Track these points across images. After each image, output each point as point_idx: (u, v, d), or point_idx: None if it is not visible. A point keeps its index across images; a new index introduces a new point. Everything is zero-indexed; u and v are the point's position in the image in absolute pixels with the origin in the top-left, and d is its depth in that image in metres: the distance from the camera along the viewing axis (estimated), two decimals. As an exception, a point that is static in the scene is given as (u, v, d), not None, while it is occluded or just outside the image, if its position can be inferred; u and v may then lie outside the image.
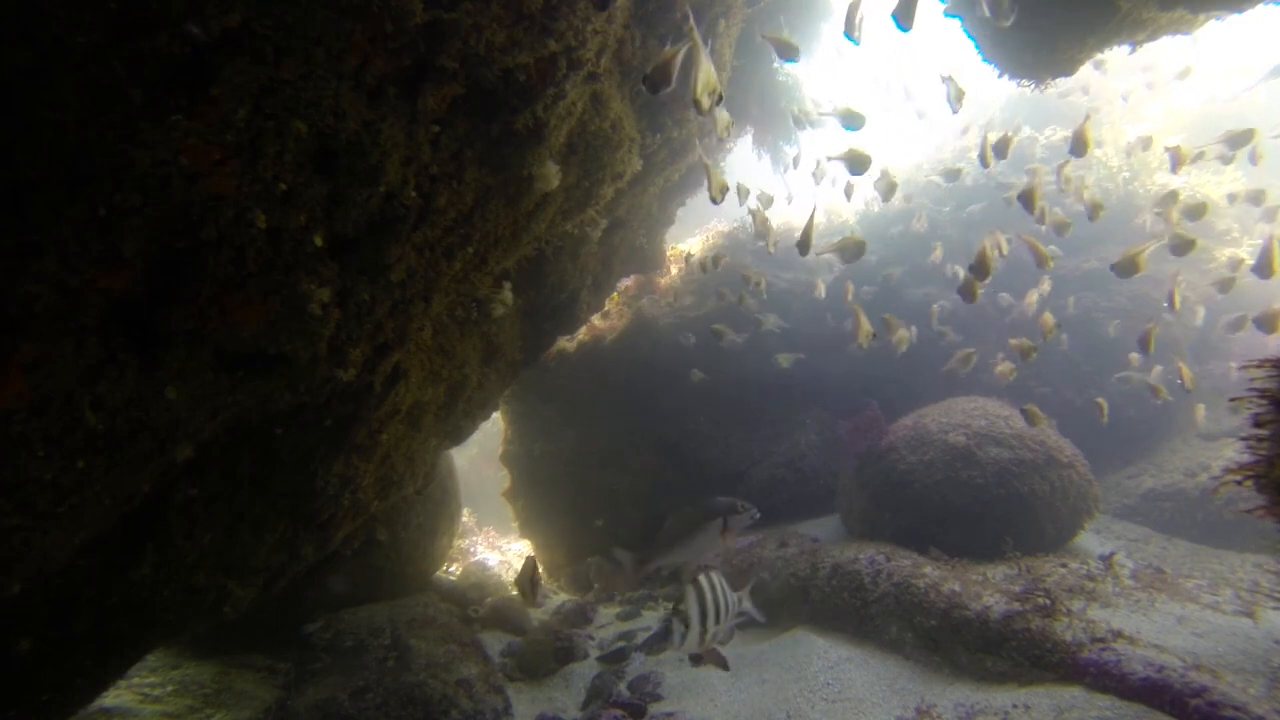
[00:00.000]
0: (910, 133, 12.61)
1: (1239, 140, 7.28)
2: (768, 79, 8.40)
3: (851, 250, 5.87)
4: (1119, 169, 10.60)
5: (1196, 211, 7.28)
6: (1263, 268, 5.81)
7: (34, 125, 1.86)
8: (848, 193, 9.10)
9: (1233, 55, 13.64)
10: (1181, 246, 6.19)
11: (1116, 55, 7.33)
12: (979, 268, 5.27)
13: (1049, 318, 7.05)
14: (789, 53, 5.92)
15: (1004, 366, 7.51)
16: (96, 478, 2.30)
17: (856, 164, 6.13)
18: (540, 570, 3.87)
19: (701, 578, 3.23)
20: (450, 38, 2.82)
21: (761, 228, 8.38)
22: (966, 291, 5.62)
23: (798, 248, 6.03)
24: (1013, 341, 6.49)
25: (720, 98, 3.15)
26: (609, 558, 4.40)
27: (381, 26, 2.47)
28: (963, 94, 6.31)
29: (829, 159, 6.56)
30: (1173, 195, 7.74)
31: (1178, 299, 6.46)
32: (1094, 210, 6.75)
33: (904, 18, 5.20)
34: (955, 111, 6.34)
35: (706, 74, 3.03)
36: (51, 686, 2.84)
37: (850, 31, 5.80)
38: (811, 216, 6.21)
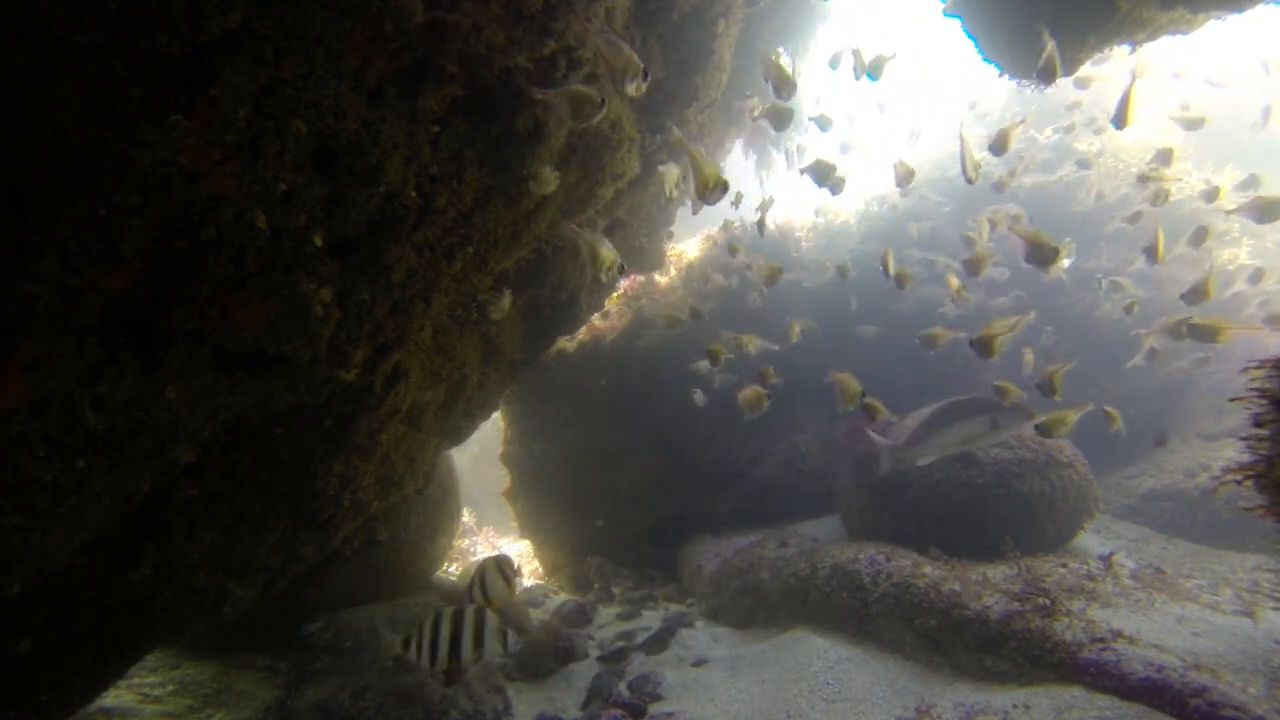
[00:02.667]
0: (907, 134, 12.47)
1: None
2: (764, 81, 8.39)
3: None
4: (1119, 169, 10.60)
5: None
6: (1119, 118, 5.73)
7: (34, 125, 1.86)
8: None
9: (1230, 56, 13.59)
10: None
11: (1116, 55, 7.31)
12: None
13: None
14: (787, 90, 5.42)
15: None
16: (96, 478, 2.30)
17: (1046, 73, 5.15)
18: (510, 567, 3.84)
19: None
20: (450, 38, 2.82)
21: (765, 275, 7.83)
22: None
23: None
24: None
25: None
26: (866, 438, 4.18)
27: (381, 26, 2.47)
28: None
29: (1045, 59, 5.31)
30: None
31: (1211, 285, 6.25)
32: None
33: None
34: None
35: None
36: (51, 686, 2.84)
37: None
38: (963, 143, 5.47)
